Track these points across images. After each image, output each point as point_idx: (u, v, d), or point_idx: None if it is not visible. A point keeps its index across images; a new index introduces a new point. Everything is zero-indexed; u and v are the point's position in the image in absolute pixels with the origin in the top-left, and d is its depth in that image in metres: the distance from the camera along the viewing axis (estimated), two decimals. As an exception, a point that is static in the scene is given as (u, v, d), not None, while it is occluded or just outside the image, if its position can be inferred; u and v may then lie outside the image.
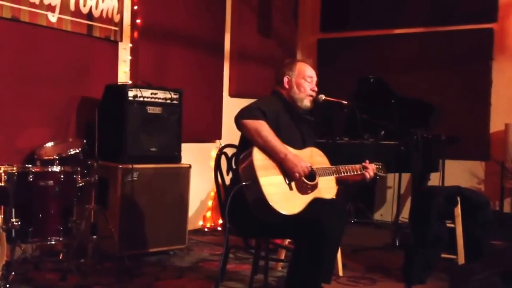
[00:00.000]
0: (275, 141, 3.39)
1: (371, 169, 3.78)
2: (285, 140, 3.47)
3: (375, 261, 5.21)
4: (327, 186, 3.58)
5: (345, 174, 3.69)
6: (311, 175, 3.48)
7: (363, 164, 3.79)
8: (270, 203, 3.25)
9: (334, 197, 3.65)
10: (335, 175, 3.65)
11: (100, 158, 4.47)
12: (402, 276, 4.50)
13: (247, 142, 3.46)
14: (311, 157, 3.59)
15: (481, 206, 4.76)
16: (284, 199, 3.33)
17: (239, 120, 3.46)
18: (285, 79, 3.75)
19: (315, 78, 3.79)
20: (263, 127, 3.40)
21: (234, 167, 3.79)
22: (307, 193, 3.45)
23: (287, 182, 3.40)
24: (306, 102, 3.74)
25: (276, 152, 3.38)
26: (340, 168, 3.68)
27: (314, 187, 3.48)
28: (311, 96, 3.74)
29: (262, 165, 3.35)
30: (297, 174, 3.38)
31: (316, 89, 3.77)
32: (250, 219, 3.41)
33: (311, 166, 3.48)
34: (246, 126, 3.42)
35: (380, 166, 3.89)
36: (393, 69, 7.18)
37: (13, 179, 4.01)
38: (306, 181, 3.44)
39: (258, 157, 3.36)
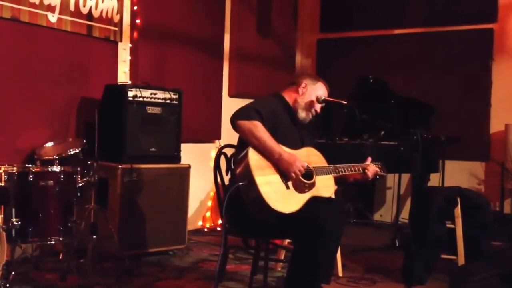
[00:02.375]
0: (270, 141, 3.40)
1: (372, 168, 3.79)
2: (283, 140, 3.48)
3: (375, 261, 5.21)
4: (325, 185, 3.58)
5: (344, 172, 3.70)
6: (309, 174, 3.49)
7: (364, 163, 3.80)
8: (268, 202, 3.26)
9: (333, 196, 3.65)
10: (333, 174, 3.65)
11: (100, 158, 4.47)
12: (402, 277, 4.50)
13: (244, 144, 3.47)
14: (308, 156, 3.60)
15: (481, 206, 4.76)
16: (281, 198, 3.34)
17: (234, 120, 3.47)
18: (303, 84, 3.76)
19: (324, 105, 3.81)
20: (257, 128, 3.41)
21: (232, 167, 3.80)
22: (305, 192, 3.45)
23: (284, 181, 3.41)
24: (306, 114, 3.77)
25: (271, 152, 3.39)
26: (339, 167, 3.69)
27: (312, 185, 3.48)
28: (311, 112, 3.77)
29: (258, 165, 3.36)
30: (293, 174, 3.39)
31: (319, 111, 3.80)
32: (249, 219, 3.41)
33: (308, 165, 3.49)
34: (241, 127, 3.44)
35: (380, 165, 3.89)
36: (393, 70, 7.18)
37: (13, 179, 4.01)
38: (304, 179, 3.45)
39: (253, 157, 3.37)
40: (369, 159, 3.83)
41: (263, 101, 3.71)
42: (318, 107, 3.78)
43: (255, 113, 3.45)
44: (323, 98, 3.75)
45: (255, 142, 3.39)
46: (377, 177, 3.86)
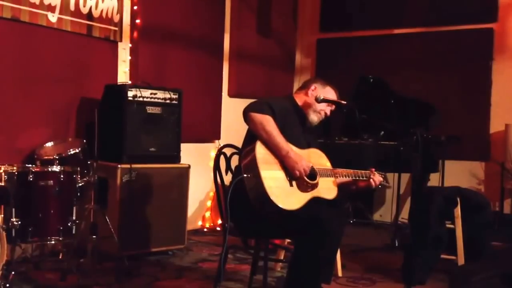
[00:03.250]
0: (279, 137, 3.42)
1: (377, 177, 3.78)
2: (290, 139, 3.50)
3: (375, 261, 5.21)
4: (327, 187, 3.59)
5: (348, 177, 3.71)
6: (312, 174, 3.50)
7: (369, 171, 3.80)
8: (270, 196, 3.28)
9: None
10: (336, 178, 3.66)
11: (99, 158, 4.47)
12: (402, 277, 4.50)
13: (252, 139, 3.49)
14: (313, 157, 3.62)
15: (481, 207, 4.76)
16: (284, 194, 3.36)
17: (247, 112, 3.49)
18: (313, 87, 3.79)
19: (333, 108, 3.83)
20: (268, 122, 3.43)
21: (235, 165, 3.80)
22: (307, 192, 3.47)
23: (288, 178, 3.42)
24: (315, 116, 3.78)
25: (278, 148, 3.41)
26: (343, 171, 3.69)
27: (314, 186, 3.49)
28: (320, 114, 3.78)
29: (264, 159, 3.38)
30: (297, 172, 3.41)
31: (328, 115, 3.82)
32: (249, 219, 3.43)
33: (312, 166, 3.50)
34: (253, 119, 3.45)
35: (383, 175, 3.89)
36: (393, 69, 7.17)
37: (13, 179, 4.00)
38: (307, 179, 3.46)
39: (261, 151, 3.39)
40: (373, 169, 3.83)
41: (277, 99, 3.74)
42: (328, 109, 3.79)
43: (268, 108, 3.48)
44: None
45: (264, 136, 3.42)
46: (380, 186, 3.86)
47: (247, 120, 3.51)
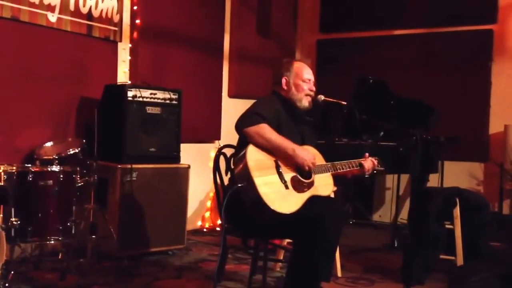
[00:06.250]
0: (279, 139, 3.43)
1: (369, 161, 3.79)
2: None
3: (374, 262, 5.21)
4: (323, 183, 3.60)
5: (342, 169, 3.71)
6: (307, 173, 3.50)
7: (363, 158, 3.81)
8: (267, 203, 3.27)
9: (332, 194, 3.66)
10: (331, 172, 3.67)
11: (99, 158, 4.48)
12: (401, 277, 4.50)
13: (243, 144, 3.48)
14: None
15: (480, 207, 4.77)
16: (281, 198, 3.35)
17: (241, 129, 3.48)
18: (283, 81, 3.77)
19: (312, 79, 3.81)
20: (264, 130, 3.42)
21: (232, 167, 3.80)
22: (304, 191, 3.47)
23: (283, 181, 3.42)
24: (305, 102, 3.75)
25: (283, 149, 3.43)
26: (336, 164, 3.70)
27: (311, 184, 3.50)
28: (309, 95, 3.76)
29: (256, 165, 3.37)
30: (307, 167, 3.44)
31: (314, 89, 3.79)
32: (248, 219, 3.42)
33: None
34: (249, 134, 3.44)
35: (377, 160, 3.90)
36: (393, 70, 7.17)
37: (12, 179, 4.01)
38: (302, 179, 3.47)
39: (252, 158, 3.38)
40: (367, 154, 3.84)
41: (265, 101, 3.72)
42: (306, 85, 3.74)
43: (258, 116, 3.47)
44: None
45: (266, 144, 3.42)
46: (375, 171, 3.86)
47: (244, 136, 3.49)
